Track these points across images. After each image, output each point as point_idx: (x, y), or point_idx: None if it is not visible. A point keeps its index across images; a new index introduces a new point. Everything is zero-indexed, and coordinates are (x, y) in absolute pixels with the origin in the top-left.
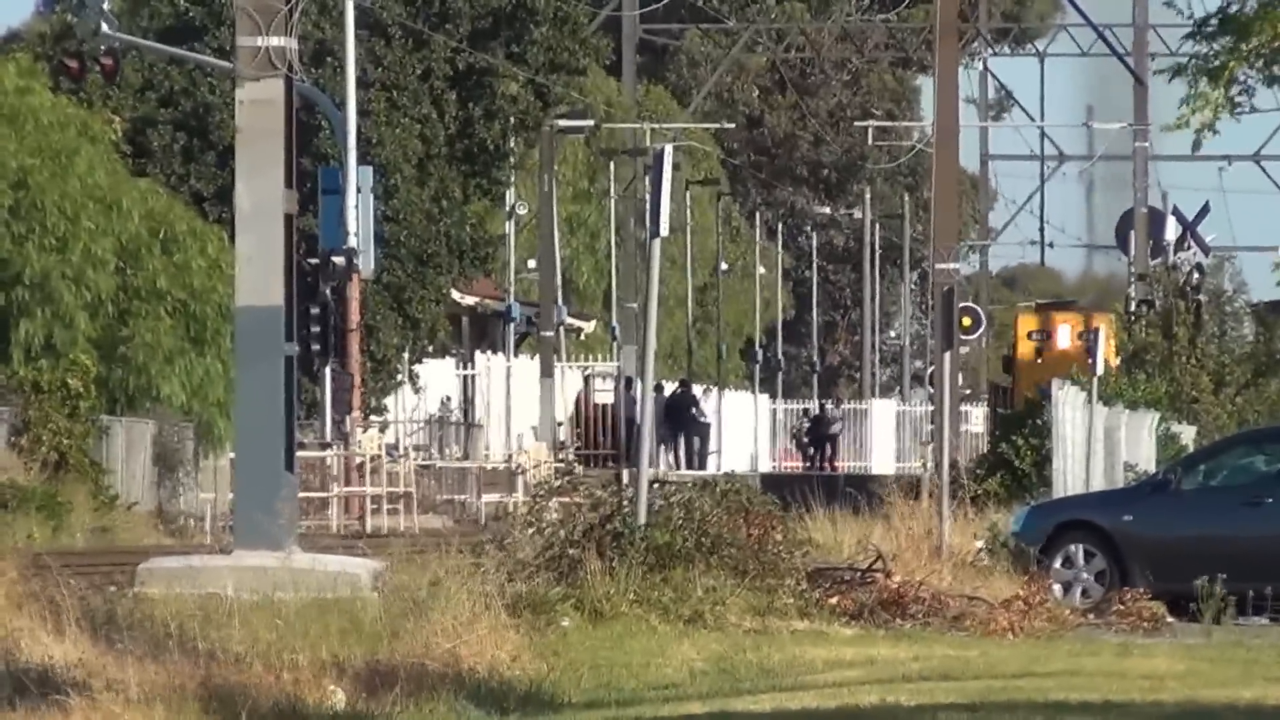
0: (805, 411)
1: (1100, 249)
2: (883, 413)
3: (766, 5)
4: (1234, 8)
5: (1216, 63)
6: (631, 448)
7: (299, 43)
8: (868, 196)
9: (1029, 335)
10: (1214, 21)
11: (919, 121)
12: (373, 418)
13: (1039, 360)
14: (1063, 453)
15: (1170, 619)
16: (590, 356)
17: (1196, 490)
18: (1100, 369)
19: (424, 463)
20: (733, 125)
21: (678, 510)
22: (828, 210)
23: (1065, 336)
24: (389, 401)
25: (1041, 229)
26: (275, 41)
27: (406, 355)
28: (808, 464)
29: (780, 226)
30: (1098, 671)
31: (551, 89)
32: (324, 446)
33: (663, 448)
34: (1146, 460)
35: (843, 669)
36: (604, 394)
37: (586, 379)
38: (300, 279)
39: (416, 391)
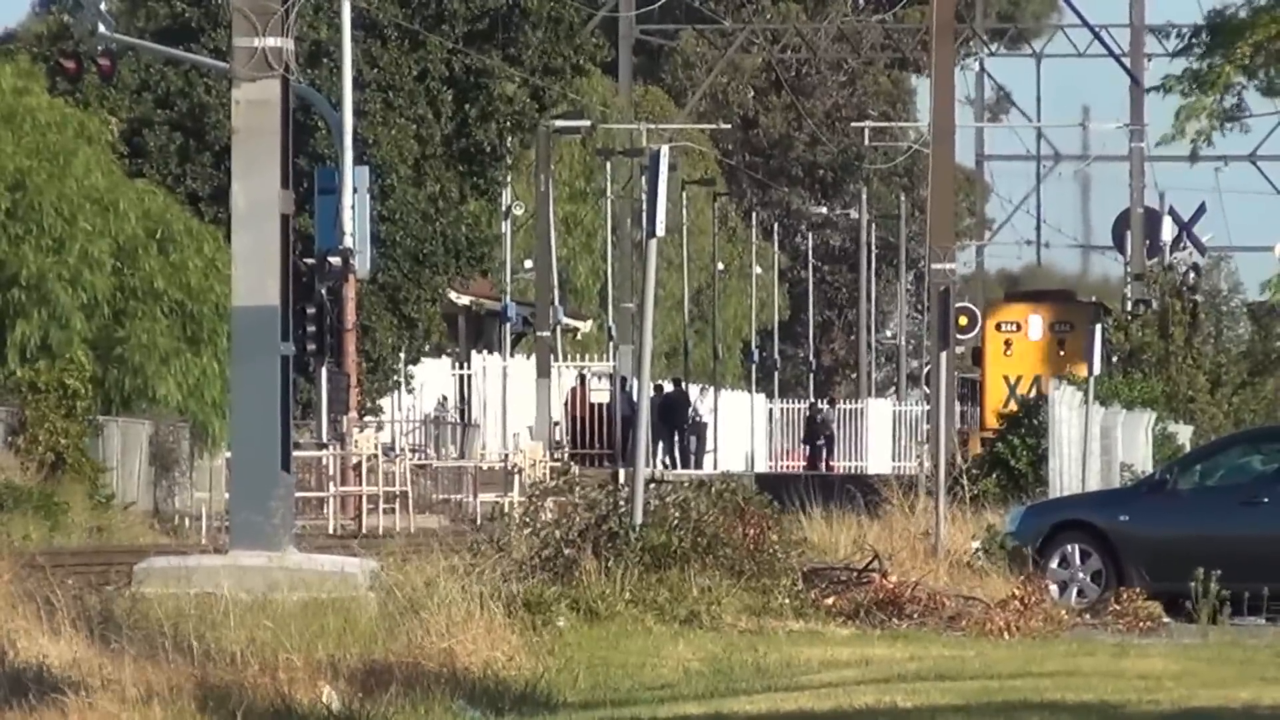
0: (812, 406)
1: (1097, 249)
2: (879, 412)
3: (762, 6)
4: (1225, 15)
5: (1208, 70)
6: (627, 447)
7: (295, 43)
8: (864, 197)
9: (997, 326)
10: (1204, 36)
11: (915, 122)
12: (369, 417)
13: (1008, 352)
14: (1059, 453)
15: (1166, 619)
16: (587, 356)
17: (1193, 490)
18: (1097, 368)
19: (420, 462)
20: (729, 126)
21: (674, 510)
22: (824, 210)
23: (1036, 328)
24: (385, 401)
25: (1038, 229)
26: (271, 42)
27: (403, 355)
28: (806, 464)
29: (776, 227)
30: (1094, 671)
31: (547, 90)
32: (320, 446)
33: (660, 446)
34: (1143, 460)
35: (838, 669)
36: (600, 393)
37: (581, 378)
38: (296, 279)
39: (409, 392)
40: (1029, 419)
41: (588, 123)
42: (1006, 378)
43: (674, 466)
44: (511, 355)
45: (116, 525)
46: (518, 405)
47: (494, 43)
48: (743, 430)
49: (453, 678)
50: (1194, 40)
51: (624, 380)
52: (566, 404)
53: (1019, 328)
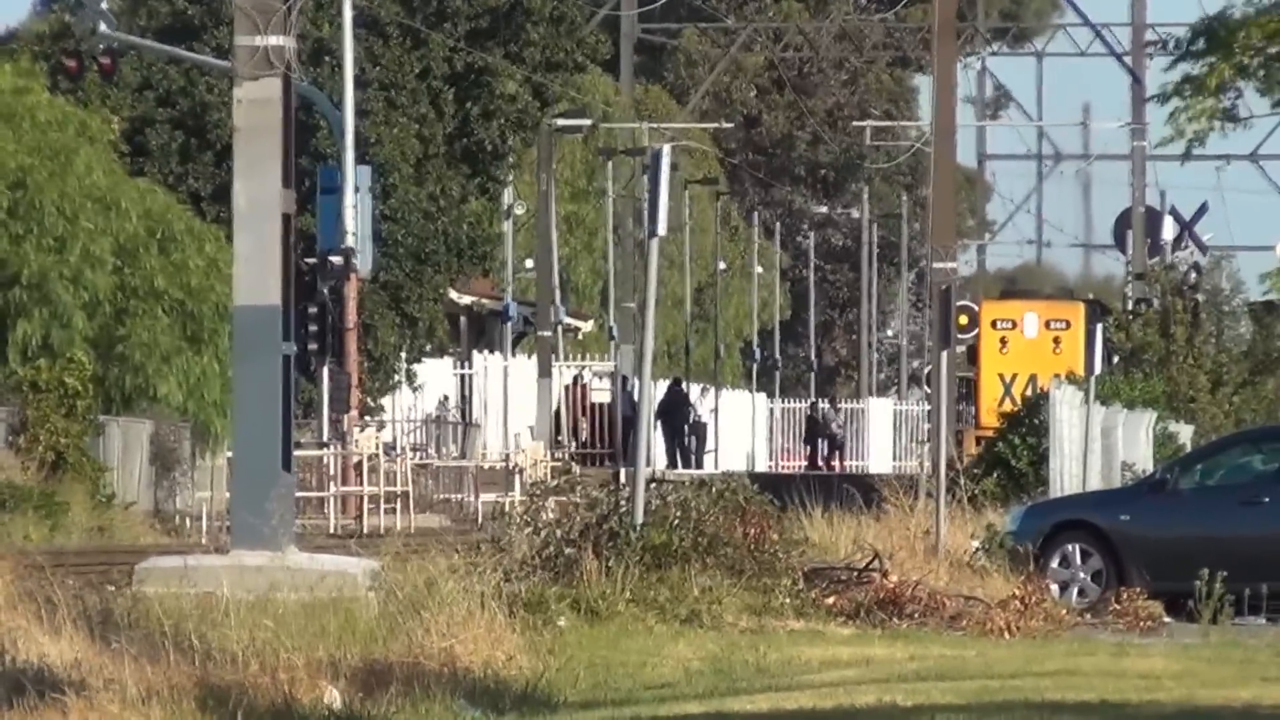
0: (813, 406)
1: (1098, 248)
2: (880, 412)
3: (764, 4)
4: (1223, 16)
5: (1206, 72)
6: (628, 447)
7: (297, 42)
8: (865, 196)
9: (993, 324)
10: (1200, 43)
11: (917, 121)
12: (370, 417)
13: (1003, 350)
14: (1060, 452)
15: (1167, 619)
16: (587, 356)
17: (1194, 490)
18: (1097, 367)
19: (421, 462)
20: (731, 125)
21: (674, 510)
22: (825, 209)
23: (1032, 325)
24: (386, 401)
25: (1039, 228)
26: (273, 40)
27: (404, 354)
28: (808, 464)
29: (778, 226)
30: (1094, 671)
31: (549, 88)
32: (321, 446)
33: (663, 448)
34: (1144, 460)
35: (839, 669)
36: (601, 393)
37: (575, 379)
38: (298, 278)
39: (414, 391)
40: (1030, 418)
41: (589, 121)
42: (1002, 376)
43: (674, 466)
44: (513, 355)
45: (117, 525)
46: (519, 405)
47: (496, 40)
48: (744, 430)
49: (453, 677)
50: (1190, 46)
51: (625, 379)
52: (567, 402)
53: (1015, 325)
